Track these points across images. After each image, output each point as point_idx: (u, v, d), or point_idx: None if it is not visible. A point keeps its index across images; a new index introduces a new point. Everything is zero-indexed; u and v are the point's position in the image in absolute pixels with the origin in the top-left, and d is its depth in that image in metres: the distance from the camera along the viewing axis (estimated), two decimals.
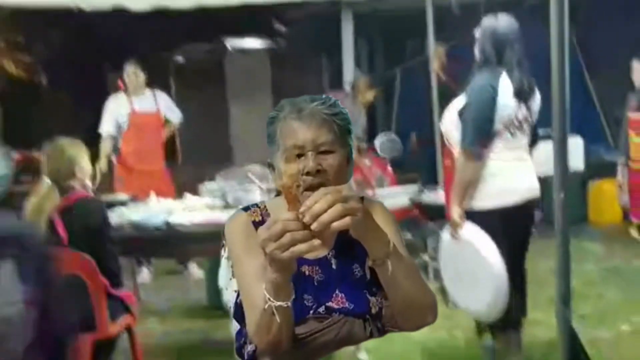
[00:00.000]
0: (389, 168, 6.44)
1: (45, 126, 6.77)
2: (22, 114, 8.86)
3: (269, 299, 1.52)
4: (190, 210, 4.05)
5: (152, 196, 4.37)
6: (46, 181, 3.37)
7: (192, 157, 7.74)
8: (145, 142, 5.77)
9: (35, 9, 6.34)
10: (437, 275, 4.23)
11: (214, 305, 4.74)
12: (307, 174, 1.66)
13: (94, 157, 4.80)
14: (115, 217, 3.86)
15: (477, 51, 3.46)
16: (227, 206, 4.14)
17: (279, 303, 1.52)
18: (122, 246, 3.53)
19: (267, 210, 1.82)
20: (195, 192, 4.54)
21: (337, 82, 8.09)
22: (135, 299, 3.72)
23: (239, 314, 1.74)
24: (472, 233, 3.38)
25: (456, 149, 3.48)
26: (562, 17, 2.65)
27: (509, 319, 3.45)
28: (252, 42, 9.84)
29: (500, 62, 3.37)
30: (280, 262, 1.45)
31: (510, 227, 3.39)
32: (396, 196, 5.40)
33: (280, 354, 1.65)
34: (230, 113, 9.83)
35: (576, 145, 6.98)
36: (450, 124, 3.57)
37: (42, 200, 3.31)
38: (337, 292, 1.72)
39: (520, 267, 3.53)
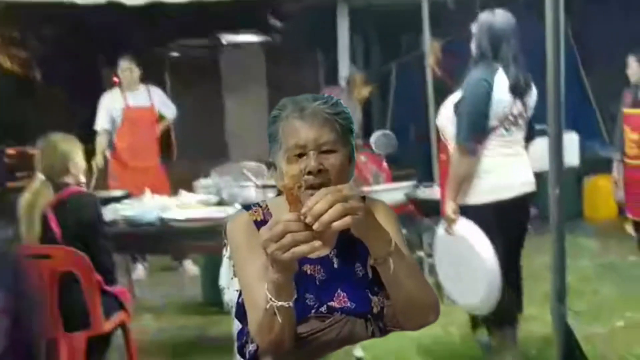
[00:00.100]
0: (385, 164, 6.43)
1: (40, 122, 6.75)
2: (16, 110, 8.83)
3: (271, 299, 1.52)
4: (184, 208, 4.04)
5: (147, 192, 4.35)
6: (40, 177, 3.36)
7: (187, 153, 7.72)
8: (139, 138, 5.75)
9: (30, 4, 6.31)
10: (432, 270, 4.23)
11: (209, 302, 4.74)
12: (309, 173, 1.67)
13: (89, 154, 4.78)
14: (110, 213, 3.84)
15: (473, 46, 3.45)
16: (221, 202, 4.13)
17: (280, 303, 1.52)
18: (116, 242, 3.51)
19: (268, 209, 1.82)
20: (190, 188, 4.53)
21: (332, 77, 8.07)
22: (130, 296, 3.70)
23: (241, 313, 1.74)
24: (466, 228, 3.39)
25: (452, 144, 3.48)
26: (558, 12, 2.65)
27: (505, 315, 3.46)
28: (247, 37, 9.81)
29: (496, 57, 3.37)
30: (282, 263, 1.45)
31: (505, 222, 3.39)
32: (392, 192, 5.39)
33: (282, 353, 1.65)
34: (226, 108, 9.82)
35: (571, 141, 7.00)
36: (446, 119, 3.57)
37: (36, 196, 3.30)
38: (339, 291, 1.72)
39: (515, 263, 3.53)
